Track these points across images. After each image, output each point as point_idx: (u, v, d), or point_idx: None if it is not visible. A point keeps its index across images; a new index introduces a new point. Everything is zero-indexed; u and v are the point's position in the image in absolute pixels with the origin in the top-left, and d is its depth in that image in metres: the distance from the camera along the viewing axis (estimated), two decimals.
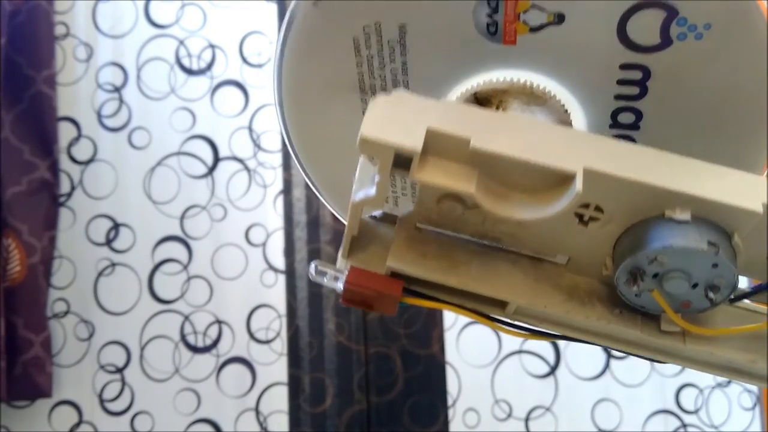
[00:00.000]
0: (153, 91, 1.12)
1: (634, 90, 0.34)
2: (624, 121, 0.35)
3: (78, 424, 1.07)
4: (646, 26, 0.32)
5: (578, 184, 0.29)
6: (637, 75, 0.33)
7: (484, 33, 0.33)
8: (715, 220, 0.31)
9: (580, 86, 0.35)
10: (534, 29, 0.33)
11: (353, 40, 0.34)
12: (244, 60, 1.12)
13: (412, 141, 0.30)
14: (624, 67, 0.33)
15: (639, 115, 0.35)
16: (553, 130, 0.33)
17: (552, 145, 0.31)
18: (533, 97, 0.36)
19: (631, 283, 0.31)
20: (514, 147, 0.31)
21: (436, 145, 0.31)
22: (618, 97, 0.34)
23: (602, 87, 0.35)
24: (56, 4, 1.11)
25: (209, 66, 1.12)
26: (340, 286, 0.33)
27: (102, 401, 1.07)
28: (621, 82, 0.34)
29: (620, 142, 0.32)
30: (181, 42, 1.12)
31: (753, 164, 0.37)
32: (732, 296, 0.32)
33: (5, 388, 1.01)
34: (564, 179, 0.30)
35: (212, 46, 1.12)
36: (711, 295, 0.31)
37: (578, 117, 0.36)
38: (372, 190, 0.31)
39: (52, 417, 1.07)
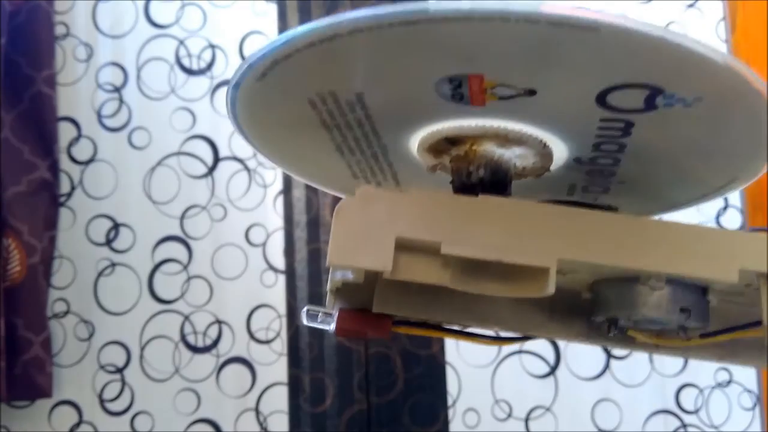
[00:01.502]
0: (153, 91, 1.12)
1: (617, 132, 0.33)
2: (607, 149, 0.35)
3: (78, 425, 1.07)
4: (628, 97, 0.30)
5: (551, 285, 0.30)
6: (619, 124, 0.32)
7: (449, 100, 0.32)
8: (690, 282, 0.32)
9: (558, 132, 0.34)
10: (504, 98, 0.32)
11: (308, 101, 0.33)
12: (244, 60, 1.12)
13: (382, 261, 0.30)
14: (605, 120, 0.32)
15: (622, 146, 0.34)
16: (526, 213, 0.32)
17: (525, 235, 0.31)
18: (508, 140, 0.35)
19: (607, 327, 0.34)
20: (486, 245, 0.31)
21: (408, 247, 0.31)
22: (600, 135, 0.34)
23: (583, 132, 0.34)
24: (56, 4, 1.11)
25: (209, 66, 1.12)
26: (332, 327, 0.34)
27: (102, 401, 1.07)
28: (602, 128, 0.33)
29: (595, 215, 0.32)
30: (181, 42, 1.12)
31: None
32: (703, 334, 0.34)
33: (5, 388, 1.01)
34: (538, 272, 0.31)
35: (212, 46, 1.12)
36: (682, 334, 0.34)
37: (559, 148, 0.35)
38: (349, 275, 0.33)
39: (52, 417, 1.07)
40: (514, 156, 0.36)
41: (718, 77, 0.28)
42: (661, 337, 0.35)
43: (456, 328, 0.38)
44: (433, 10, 0.26)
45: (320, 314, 0.35)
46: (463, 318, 0.36)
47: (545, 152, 0.36)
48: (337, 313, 0.34)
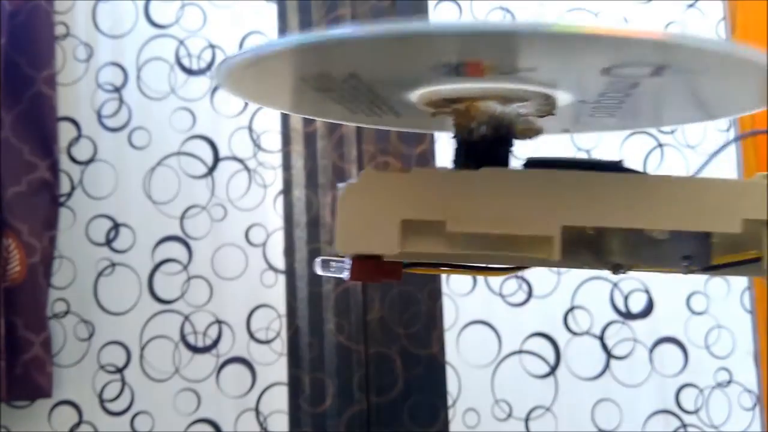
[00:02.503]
0: (153, 91, 1.11)
1: (622, 86, 0.32)
2: (612, 95, 0.34)
3: (78, 424, 1.07)
4: (634, 70, 0.30)
5: (556, 252, 0.31)
6: (625, 83, 0.32)
7: (445, 74, 0.32)
8: (692, 232, 0.33)
9: (561, 90, 0.34)
10: (504, 72, 0.32)
11: (300, 78, 0.33)
12: None
13: (389, 246, 0.31)
14: (611, 82, 0.32)
15: (627, 93, 0.34)
16: (527, 183, 0.32)
17: (527, 205, 0.31)
18: (509, 99, 0.35)
19: (612, 269, 0.34)
20: (490, 219, 0.31)
21: (414, 225, 0.31)
22: (605, 90, 0.33)
23: (587, 89, 0.34)
24: (56, 4, 1.11)
25: (209, 66, 1.12)
26: (345, 275, 0.34)
27: (102, 401, 1.07)
28: (608, 85, 0.32)
29: (593, 178, 0.32)
30: (181, 42, 1.12)
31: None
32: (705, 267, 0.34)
33: (5, 388, 1.01)
34: (544, 239, 0.31)
35: (212, 46, 1.12)
36: (684, 269, 0.34)
37: (563, 97, 0.35)
38: None
39: (52, 417, 1.07)
40: (516, 109, 0.35)
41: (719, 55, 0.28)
42: (664, 269, 0.35)
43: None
44: (433, 28, 0.26)
45: (333, 263, 0.35)
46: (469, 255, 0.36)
47: (548, 101, 0.36)
48: (350, 262, 0.34)
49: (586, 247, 0.35)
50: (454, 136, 0.36)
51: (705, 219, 0.32)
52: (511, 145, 0.35)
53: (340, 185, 0.32)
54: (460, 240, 0.32)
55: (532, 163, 0.35)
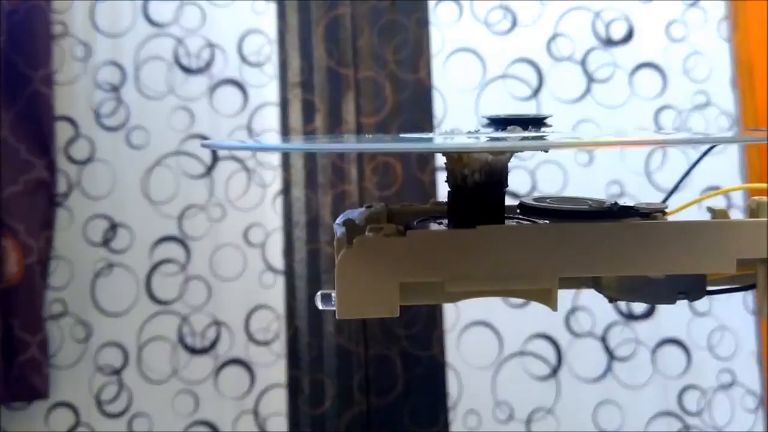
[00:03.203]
0: (151, 90, 1.11)
1: None
2: None
3: (75, 426, 1.06)
4: None
5: (554, 303, 0.32)
6: None
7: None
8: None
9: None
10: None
11: None
12: (243, 59, 1.11)
13: (389, 309, 0.32)
14: None
15: None
16: (522, 238, 0.33)
17: (524, 260, 0.32)
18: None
19: (609, 299, 0.36)
20: (487, 277, 0.32)
21: (412, 287, 0.32)
22: None
23: None
24: (54, 3, 1.11)
25: (208, 65, 1.11)
26: None
27: (99, 403, 1.06)
28: None
29: (588, 228, 0.33)
30: (180, 41, 1.12)
31: None
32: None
33: (2, 389, 1.01)
34: (542, 292, 0.32)
35: (211, 45, 1.12)
36: (680, 297, 0.35)
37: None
38: None
39: (49, 419, 1.06)
40: (509, 156, 0.36)
41: None
42: (659, 303, 0.37)
43: None
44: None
45: (333, 296, 0.35)
46: None
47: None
48: None
49: (585, 282, 0.37)
50: (447, 180, 0.36)
51: (700, 262, 0.32)
52: (505, 186, 0.36)
53: (341, 251, 0.32)
54: (459, 295, 0.33)
55: (524, 207, 0.37)
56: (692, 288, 0.34)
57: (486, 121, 0.36)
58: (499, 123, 0.35)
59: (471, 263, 0.32)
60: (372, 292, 0.32)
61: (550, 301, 0.32)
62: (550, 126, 0.36)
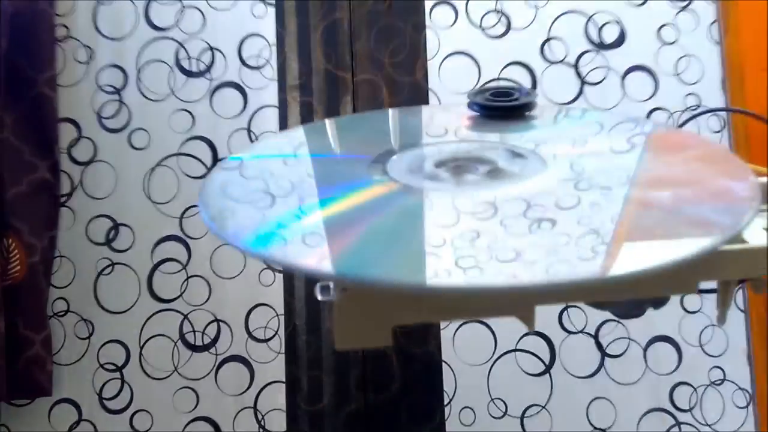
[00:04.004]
0: (153, 92, 1.12)
1: None
2: None
3: (77, 423, 1.07)
4: None
5: (532, 326, 0.35)
6: None
7: None
8: None
9: None
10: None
11: None
12: (243, 62, 1.13)
13: (384, 341, 0.34)
14: None
15: None
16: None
17: (504, 297, 0.34)
18: None
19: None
20: (472, 312, 0.35)
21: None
22: None
23: None
24: (57, 6, 1.12)
25: (208, 68, 1.13)
26: None
27: (101, 399, 1.08)
28: None
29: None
30: (181, 44, 1.13)
31: None
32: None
33: (5, 386, 1.02)
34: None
35: (211, 49, 1.13)
36: (647, 307, 0.37)
37: None
38: None
39: (52, 415, 1.07)
40: None
41: None
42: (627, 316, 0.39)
43: None
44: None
45: (332, 288, 0.37)
46: None
47: None
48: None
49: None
50: None
51: (664, 287, 0.34)
52: None
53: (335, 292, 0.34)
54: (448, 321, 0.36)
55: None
56: (658, 301, 0.36)
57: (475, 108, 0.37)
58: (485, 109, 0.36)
59: (457, 304, 0.34)
60: (367, 329, 0.34)
61: (529, 323, 0.34)
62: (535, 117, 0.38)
